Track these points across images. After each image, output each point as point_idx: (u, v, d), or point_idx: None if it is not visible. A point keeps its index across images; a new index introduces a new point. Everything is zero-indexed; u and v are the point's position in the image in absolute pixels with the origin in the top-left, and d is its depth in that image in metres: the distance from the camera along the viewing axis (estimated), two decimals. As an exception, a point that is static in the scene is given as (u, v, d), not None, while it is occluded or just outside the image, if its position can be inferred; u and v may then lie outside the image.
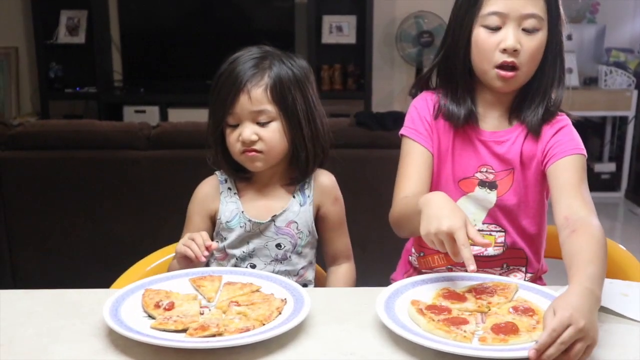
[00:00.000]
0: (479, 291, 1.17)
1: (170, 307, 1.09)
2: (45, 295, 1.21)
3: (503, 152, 1.38)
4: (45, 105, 4.60)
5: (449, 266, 1.42)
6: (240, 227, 1.38)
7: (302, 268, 1.42)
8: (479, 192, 1.39)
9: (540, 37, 1.31)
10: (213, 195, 1.42)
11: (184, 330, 1.03)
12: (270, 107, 1.32)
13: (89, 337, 1.05)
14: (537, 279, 1.47)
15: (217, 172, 1.44)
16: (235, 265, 1.39)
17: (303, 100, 1.35)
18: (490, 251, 1.41)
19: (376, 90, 4.65)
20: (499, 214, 1.40)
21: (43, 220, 2.70)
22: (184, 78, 4.68)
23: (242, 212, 1.38)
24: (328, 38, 4.68)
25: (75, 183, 2.67)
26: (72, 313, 1.13)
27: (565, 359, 0.93)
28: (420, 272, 1.45)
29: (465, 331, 1.03)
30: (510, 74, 1.31)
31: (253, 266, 1.39)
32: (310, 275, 1.45)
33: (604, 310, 1.14)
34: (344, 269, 1.49)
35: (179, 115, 4.37)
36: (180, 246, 1.29)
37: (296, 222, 1.39)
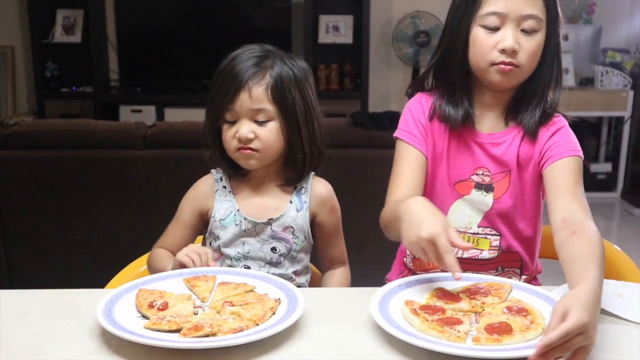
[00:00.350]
0: (473, 291, 1.17)
1: (164, 307, 1.09)
2: (40, 295, 1.21)
3: (499, 154, 1.38)
4: (41, 105, 4.60)
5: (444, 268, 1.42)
6: (236, 224, 1.38)
7: (296, 272, 1.42)
8: (475, 194, 1.39)
9: (538, 38, 1.30)
10: (208, 193, 1.41)
11: (177, 331, 1.02)
12: (269, 107, 1.32)
13: (83, 337, 1.05)
14: (531, 279, 1.47)
15: (212, 171, 1.44)
16: (230, 267, 1.39)
17: (302, 101, 1.35)
18: (485, 255, 1.40)
19: (373, 90, 4.65)
20: (495, 217, 1.39)
21: (39, 219, 2.70)
22: (180, 78, 4.68)
23: (238, 210, 1.38)
24: (325, 38, 4.69)
25: (71, 183, 2.67)
26: (67, 313, 1.13)
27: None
28: (415, 273, 1.45)
29: (459, 331, 1.03)
30: (509, 67, 1.29)
31: (247, 268, 1.39)
32: (303, 279, 1.45)
33: (598, 310, 1.14)
34: (339, 274, 1.49)
35: (175, 115, 4.37)
36: (183, 256, 1.27)
37: (292, 227, 1.39)
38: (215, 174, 1.43)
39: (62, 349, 1.01)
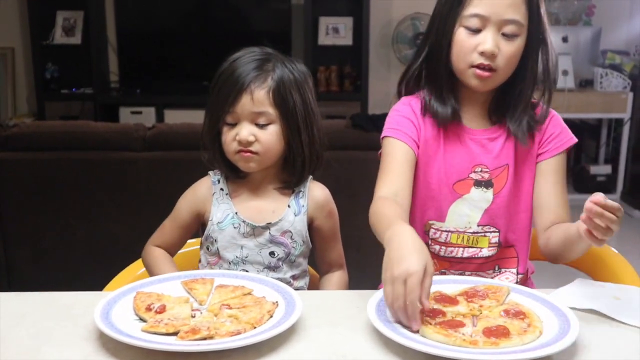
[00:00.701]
0: (470, 294, 1.17)
1: (162, 310, 1.09)
2: (37, 298, 1.21)
3: (497, 149, 1.39)
4: (41, 106, 4.61)
5: (443, 270, 1.43)
6: (234, 227, 1.38)
7: (294, 277, 1.42)
8: (475, 192, 1.39)
9: (518, 43, 1.32)
10: (205, 196, 1.42)
11: (175, 334, 1.02)
12: (271, 110, 1.32)
13: (80, 339, 1.05)
14: (526, 279, 1.48)
15: (210, 173, 1.44)
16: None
17: (302, 104, 1.35)
18: (485, 252, 1.41)
19: (372, 92, 4.65)
20: (495, 212, 1.40)
21: (38, 221, 2.70)
22: (180, 79, 4.68)
23: (236, 212, 1.38)
24: (324, 39, 4.69)
25: (71, 184, 2.67)
26: (64, 315, 1.13)
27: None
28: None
29: (463, 334, 1.03)
30: (486, 74, 1.32)
31: (245, 272, 1.39)
32: (302, 282, 1.45)
33: (595, 313, 1.14)
34: (337, 277, 1.49)
35: (175, 117, 4.37)
36: None
37: (290, 232, 1.39)
38: (212, 177, 1.43)
39: (59, 352, 1.01)
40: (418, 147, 1.38)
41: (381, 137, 1.41)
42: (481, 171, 1.39)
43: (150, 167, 2.66)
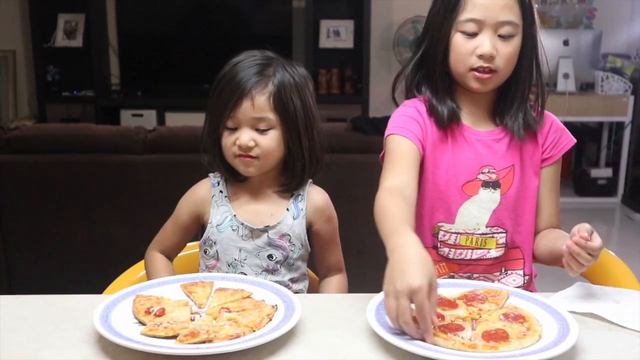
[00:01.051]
0: (469, 298, 1.17)
1: (161, 313, 1.09)
2: (37, 301, 1.20)
3: (503, 150, 1.40)
4: (42, 109, 4.62)
5: (452, 273, 1.42)
6: (233, 230, 1.38)
7: (292, 280, 1.42)
8: (483, 193, 1.40)
9: (515, 43, 1.34)
10: (205, 199, 1.42)
11: (174, 337, 1.03)
12: (271, 115, 1.32)
13: (79, 342, 1.05)
14: (530, 282, 1.48)
15: (210, 175, 1.44)
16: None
17: (303, 108, 1.35)
18: (493, 253, 1.41)
19: (373, 94, 4.66)
20: (503, 213, 1.41)
21: (39, 223, 2.70)
22: (181, 82, 4.69)
23: (235, 215, 1.39)
24: (325, 42, 4.69)
25: (72, 187, 2.67)
26: (64, 318, 1.13)
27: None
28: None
29: (462, 337, 1.03)
30: (486, 75, 1.34)
31: (243, 275, 1.39)
32: (301, 285, 1.45)
33: (595, 317, 1.14)
34: (336, 281, 1.49)
35: (176, 119, 4.38)
36: None
37: (289, 235, 1.39)
38: (212, 179, 1.44)
39: (58, 354, 1.01)
40: (423, 147, 1.38)
41: (385, 136, 1.39)
42: (488, 172, 1.40)
43: (151, 170, 2.67)
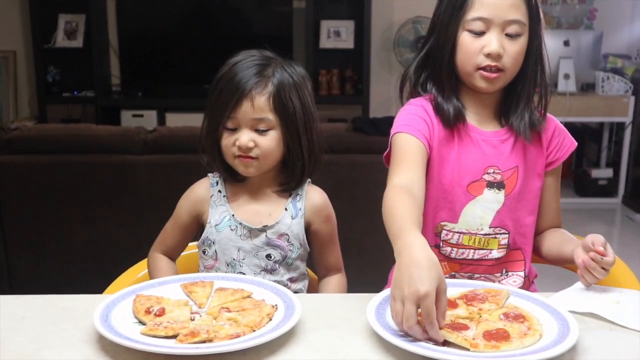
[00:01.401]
0: (470, 298, 1.17)
1: (161, 313, 1.09)
2: (37, 301, 1.20)
3: (508, 151, 1.40)
4: (43, 109, 4.62)
5: (453, 273, 1.42)
6: (231, 229, 1.38)
7: (291, 279, 1.42)
8: (488, 193, 1.40)
9: (522, 42, 1.34)
10: (203, 198, 1.42)
11: (174, 337, 1.02)
12: (271, 116, 1.32)
13: (79, 342, 1.05)
14: (530, 283, 1.48)
15: (209, 174, 1.44)
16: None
17: (302, 108, 1.35)
18: (495, 254, 1.42)
19: (374, 95, 4.66)
20: (506, 213, 1.41)
21: (39, 224, 2.71)
22: (182, 82, 4.69)
23: (233, 215, 1.39)
24: (326, 43, 4.69)
25: (72, 187, 2.67)
26: (64, 318, 1.13)
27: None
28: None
29: (466, 337, 1.03)
30: (494, 75, 1.34)
31: (242, 274, 1.38)
32: (300, 285, 1.45)
33: (595, 317, 1.14)
34: (335, 281, 1.49)
35: (176, 120, 4.38)
36: None
37: (287, 235, 1.39)
38: (211, 179, 1.44)
39: (58, 354, 1.01)
40: (430, 145, 1.37)
41: (391, 134, 1.38)
42: (494, 172, 1.40)
43: (151, 170, 2.67)
